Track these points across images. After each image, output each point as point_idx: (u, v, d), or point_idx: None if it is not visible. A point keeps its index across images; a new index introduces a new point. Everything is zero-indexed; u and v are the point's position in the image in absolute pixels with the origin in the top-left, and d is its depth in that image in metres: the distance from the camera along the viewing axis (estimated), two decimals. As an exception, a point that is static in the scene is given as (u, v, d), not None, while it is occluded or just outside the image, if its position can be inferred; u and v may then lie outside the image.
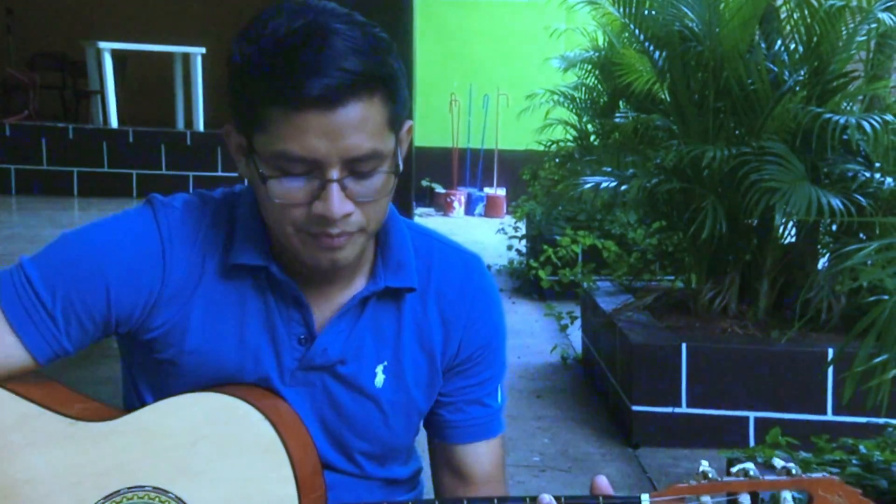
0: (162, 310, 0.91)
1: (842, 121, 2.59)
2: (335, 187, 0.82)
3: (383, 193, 0.85)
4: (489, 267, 5.97)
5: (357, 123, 0.80)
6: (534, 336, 4.14)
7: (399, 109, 0.85)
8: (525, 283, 5.13)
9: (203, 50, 6.07)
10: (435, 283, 0.97)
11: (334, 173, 0.81)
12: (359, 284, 0.95)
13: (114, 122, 5.86)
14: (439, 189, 8.47)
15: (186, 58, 6.17)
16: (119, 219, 0.93)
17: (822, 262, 3.01)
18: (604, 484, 0.86)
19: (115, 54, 5.96)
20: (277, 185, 0.82)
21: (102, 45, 5.85)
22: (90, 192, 5.41)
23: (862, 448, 1.85)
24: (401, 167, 0.86)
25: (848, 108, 2.85)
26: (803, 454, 1.95)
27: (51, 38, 6.91)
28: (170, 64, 6.29)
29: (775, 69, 2.86)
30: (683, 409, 2.71)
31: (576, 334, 3.96)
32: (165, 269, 0.90)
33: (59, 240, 0.92)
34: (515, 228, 5.80)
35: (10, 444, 0.88)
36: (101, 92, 5.97)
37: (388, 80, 0.82)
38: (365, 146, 0.82)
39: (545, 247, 4.85)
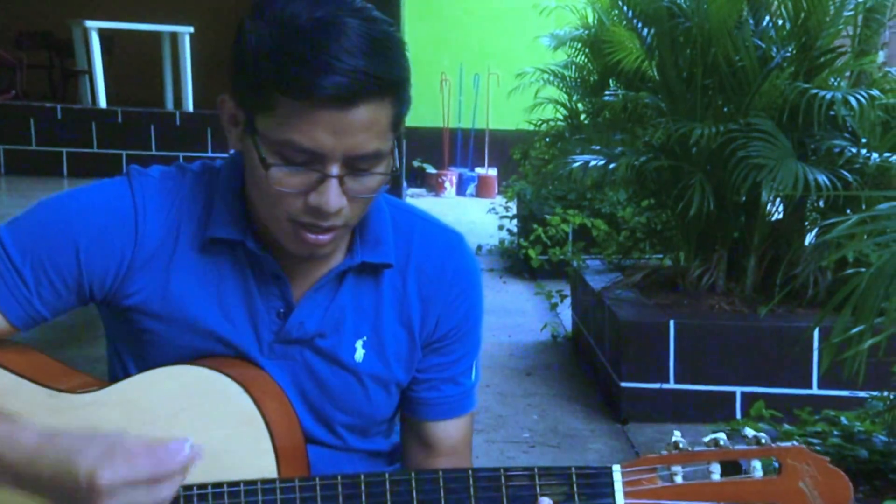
0: (136, 275, 0.92)
1: (828, 96, 2.59)
2: (334, 182, 0.83)
3: (376, 192, 0.87)
4: (480, 247, 5.98)
5: (366, 124, 0.81)
6: (524, 314, 4.16)
7: (403, 111, 0.86)
8: (516, 263, 5.15)
9: (191, 29, 6.02)
10: (415, 260, 0.98)
11: (335, 169, 0.83)
12: (336, 259, 0.96)
13: (102, 103, 5.82)
14: (430, 169, 8.46)
15: (174, 37, 6.12)
16: (94, 186, 0.93)
17: (809, 238, 3.02)
18: None
19: (103, 33, 5.90)
20: (278, 173, 0.83)
21: (89, 24, 5.79)
22: (79, 173, 5.39)
23: (843, 420, 1.88)
24: (397, 168, 0.88)
25: (835, 83, 2.85)
26: (787, 426, 1.98)
27: (37, 17, 6.83)
28: (158, 43, 6.24)
29: (763, 45, 2.85)
30: (671, 385, 2.74)
31: (566, 312, 3.98)
32: (138, 234, 0.91)
33: (35, 205, 0.93)
34: (506, 208, 5.81)
35: None
36: (89, 72, 5.92)
37: (400, 83, 0.83)
38: (370, 146, 0.83)
39: (535, 226, 4.86)
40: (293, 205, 0.84)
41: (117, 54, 6.48)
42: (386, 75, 0.81)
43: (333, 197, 0.83)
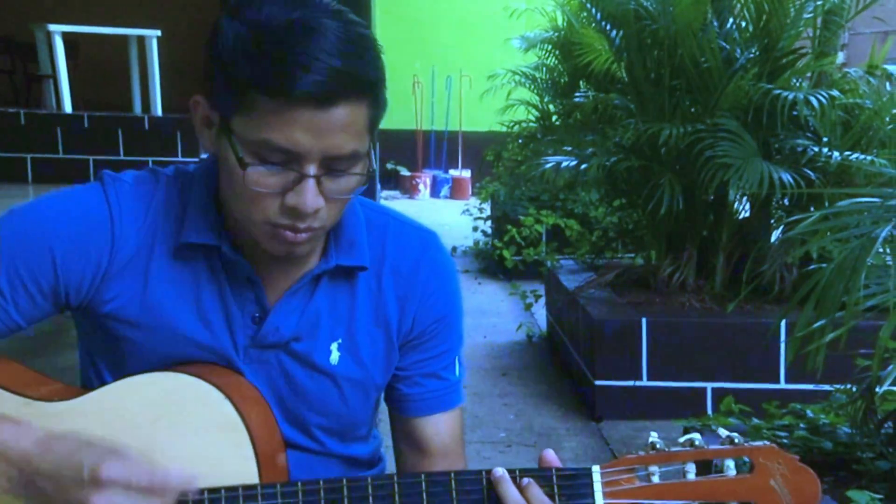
0: (113, 281, 0.91)
1: (791, 97, 2.66)
2: (311, 182, 0.83)
3: (352, 193, 0.88)
4: (455, 248, 5.99)
5: (343, 124, 0.82)
6: (499, 315, 4.18)
7: (379, 113, 0.87)
8: (490, 264, 5.18)
9: (158, 32, 5.95)
10: (390, 260, 0.98)
11: (312, 169, 0.83)
12: (311, 263, 0.96)
13: (67, 107, 5.72)
14: (404, 172, 8.46)
15: (141, 41, 6.04)
16: (68, 192, 0.93)
17: (775, 236, 3.09)
18: (551, 457, 0.88)
19: (67, 37, 5.80)
20: (254, 173, 0.83)
21: (52, 27, 5.69)
22: (45, 179, 5.29)
23: (809, 413, 1.93)
24: (374, 170, 0.89)
25: (797, 84, 2.92)
26: (755, 420, 2.03)
27: (-2, 20, 6.69)
28: (125, 47, 6.15)
29: (727, 47, 2.91)
30: (644, 382, 2.78)
31: (540, 312, 4.01)
32: (114, 239, 0.91)
33: (7, 214, 0.92)
34: (480, 210, 5.84)
35: None
36: (54, 76, 5.82)
37: (376, 84, 0.84)
38: (347, 147, 0.83)
39: (509, 227, 4.90)
40: (270, 206, 0.85)
41: (83, 58, 6.38)
42: (363, 75, 0.82)
43: (311, 197, 0.83)
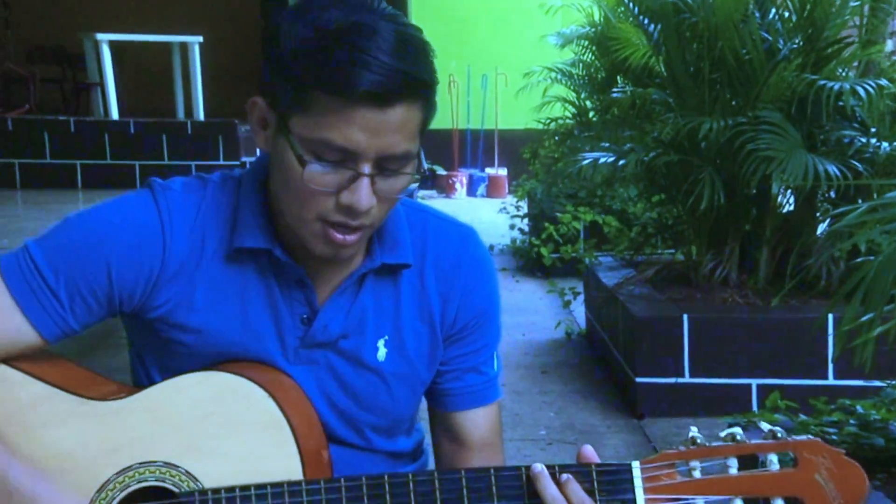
0: (164, 288, 0.94)
1: (836, 87, 2.59)
2: (366, 181, 0.85)
3: (402, 192, 0.90)
4: (492, 247, 5.99)
5: (399, 124, 0.84)
6: (538, 313, 4.17)
7: (431, 115, 0.89)
8: (528, 262, 5.16)
9: (200, 38, 6.08)
10: (431, 257, 1.00)
11: (367, 168, 0.85)
12: (356, 262, 0.98)
13: (114, 114, 5.88)
14: (441, 171, 8.47)
15: (184, 47, 6.18)
16: (119, 201, 0.96)
17: (821, 229, 3.02)
18: (590, 453, 0.88)
19: (113, 46, 5.97)
20: (312, 171, 0.85)
21: (100, 36, 5.86)
22: (94, 184, 5.45)
23: (859, 408, 1.88)
24: (425, 169, 0.91)
25: (843, 74, 2.84)
26: (803, 417, 1.99)
27: (48, 31, 6.92)
28: (168, 54, 6.30)
29: (769, 38, 2.86)
30: (686, 379, 2.75)
31: (579, 310, 3.98)
32: (165, 247, 0.93)
33: (62, 223, 0.95)
34: (517, 207, 5.81)
35: (26, 424, 0.91)
36: (101, 84, 5.99)
37: (431, 86, 0.87)
38: (401, 147, 0.86)
39: (547, 224, 4.87)
40: (325, 204, 0.87)
41: (128, 66, 6.56)
42: (420, 77, 0.85)
43: (365, 195, 0.86)
